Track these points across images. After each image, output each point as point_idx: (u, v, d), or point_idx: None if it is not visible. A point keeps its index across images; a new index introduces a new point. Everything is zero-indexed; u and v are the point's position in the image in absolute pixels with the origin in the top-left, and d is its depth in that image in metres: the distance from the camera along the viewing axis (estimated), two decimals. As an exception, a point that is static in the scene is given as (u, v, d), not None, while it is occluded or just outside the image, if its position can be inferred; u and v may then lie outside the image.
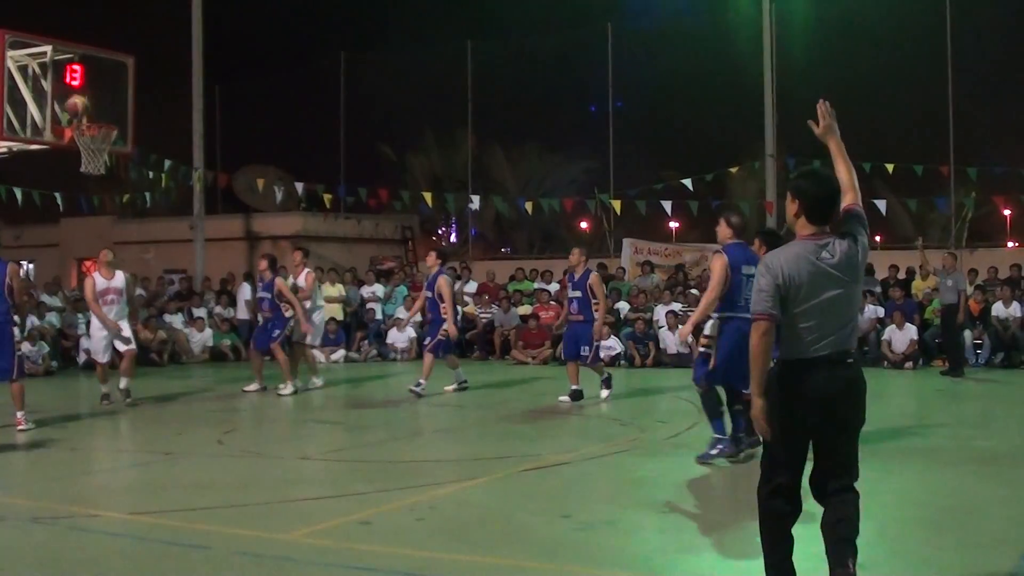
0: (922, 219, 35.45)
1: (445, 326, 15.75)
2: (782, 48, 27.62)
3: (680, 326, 21.18)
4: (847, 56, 34.66)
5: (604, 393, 15.15)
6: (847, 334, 5.35)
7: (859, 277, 5.43)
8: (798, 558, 5.40)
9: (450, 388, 16.36)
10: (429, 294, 16.05)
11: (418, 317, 23.18)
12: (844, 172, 5.56)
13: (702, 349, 10.25)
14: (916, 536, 7.21)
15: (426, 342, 16.45)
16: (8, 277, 12.39)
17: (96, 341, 15.13)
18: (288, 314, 16.60)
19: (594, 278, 14.87)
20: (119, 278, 14.97)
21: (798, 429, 5.27)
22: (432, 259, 16.35)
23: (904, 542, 6.94)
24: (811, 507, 5.40)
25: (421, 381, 15.69)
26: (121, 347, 14.91)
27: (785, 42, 28.09)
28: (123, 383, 14.87)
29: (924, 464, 10.01)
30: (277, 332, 16.55)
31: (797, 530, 5.42)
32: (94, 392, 15.40)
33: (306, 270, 17.41)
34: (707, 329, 10.28)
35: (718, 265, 10.07)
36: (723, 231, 10.43)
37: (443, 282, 15.87)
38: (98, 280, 14.83)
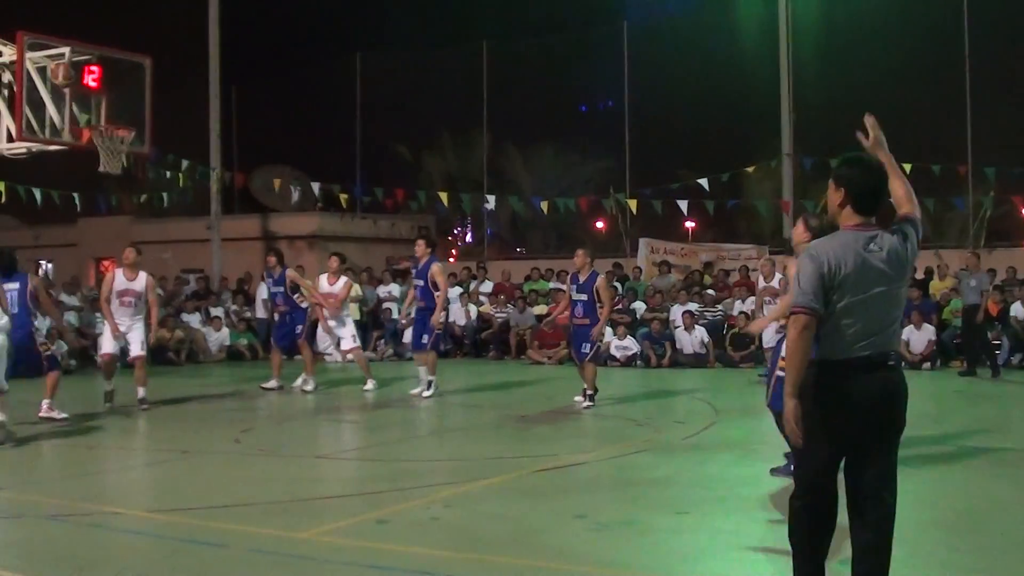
0: (940, 219, 35.29)
1: (438, 316, 15.19)
2: (798, 46, 27.56)
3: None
4: (863, 54, 34.48)
5: (582, 403, 14.32)
6: (890, 335, 5.09)
7: (905, 276, 5.17)
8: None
9: (418, 391, 15.59)
10: (420, 283, 15.29)
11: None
12: (899, 186, 5.32)
13: (780, 373, 9.61)
14: (933, 538, 7.18)
15: (423, 339, 15.40)
16: (31, 286, 12.80)
17: (106, 334, 14.70)
18: (304, 305, 16.63)
19: (601, 281, 14.18)
20: (141, 280, 14.49)
21: (835, 436, 5.01)
22: (421, 248, 15.47)
23: (921, 544, 6.90)
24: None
25: (430, 378, 15.42)
26: (132, 351, 14.43)
27: (801, 40, 28.03)
28: (140, 392, 14.38)
29: (941, 466, 9.97)
30: (300, 327, 16.54)
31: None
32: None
33: (343, 278, 16.98)
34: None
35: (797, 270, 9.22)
36: (800, 234, 9.25)
37: (437, 269, 15.19)
38: (118, 279, 14.46)
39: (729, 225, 39.40)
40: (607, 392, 15.04)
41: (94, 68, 15.78)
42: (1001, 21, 28.64)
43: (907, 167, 25.01)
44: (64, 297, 23.19)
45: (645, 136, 33.39)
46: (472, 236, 45.24)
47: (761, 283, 16.23)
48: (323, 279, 16.99)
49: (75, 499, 8.61)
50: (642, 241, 28.64)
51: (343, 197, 29.73)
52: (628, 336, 21.60)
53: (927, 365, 20.03)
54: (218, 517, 7.83)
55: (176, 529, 7.47)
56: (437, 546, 6.94)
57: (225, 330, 24.00)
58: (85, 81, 15.68)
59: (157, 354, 19.43)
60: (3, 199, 26.89)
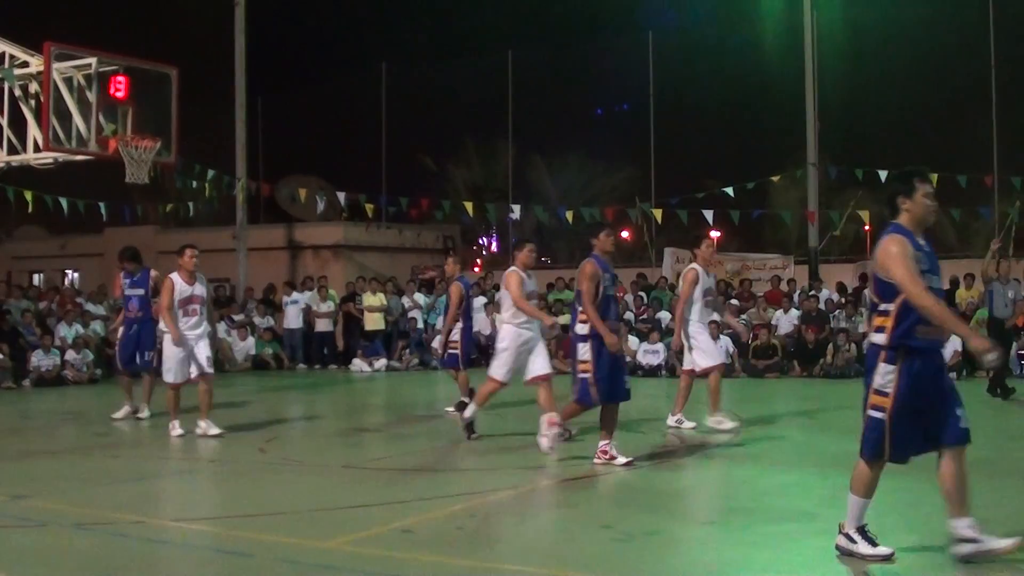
0: (966, 229, 35.15)
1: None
2: (823, 56, 27.50)
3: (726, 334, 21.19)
4: (889, 65, 34.43)
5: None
6: None
7: None
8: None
9: None
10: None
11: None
12: None
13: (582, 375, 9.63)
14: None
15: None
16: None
17: (170, 359, 12.78)
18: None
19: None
20: (200, 285, 13.21)
21: None
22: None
23: (949, 555, 6.85)
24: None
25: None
26: (200, 369, 12.68)
27: (826, 50, 27.96)
28: (202, 427, 12.68)
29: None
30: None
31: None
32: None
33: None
34: None
35: None
36: None
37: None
38: (179, 285, 12.98)
39: (754, 234, 39.33)
40: (632, 402, 14.93)
41: (121, 78, 15.92)
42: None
43: (933, 177, 25.00)
44: (90, 307, 23.32)
45: (670, 145, 33.40)
46: (497, 246, 45.27)
47: None
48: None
49: (100, 508, 8.62)
50: (667, 251, 28.64)
51: (368, 207, 29.80)
52: (659, 342, 21.57)
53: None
54: (243, 526, 7.84)
55: (201, 538, 7.49)
56: (462, 556, 6.93)
57: (251, 339, 24.09)
58: (111, 91, 15.84)
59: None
60: (30, 209, 27.09)
